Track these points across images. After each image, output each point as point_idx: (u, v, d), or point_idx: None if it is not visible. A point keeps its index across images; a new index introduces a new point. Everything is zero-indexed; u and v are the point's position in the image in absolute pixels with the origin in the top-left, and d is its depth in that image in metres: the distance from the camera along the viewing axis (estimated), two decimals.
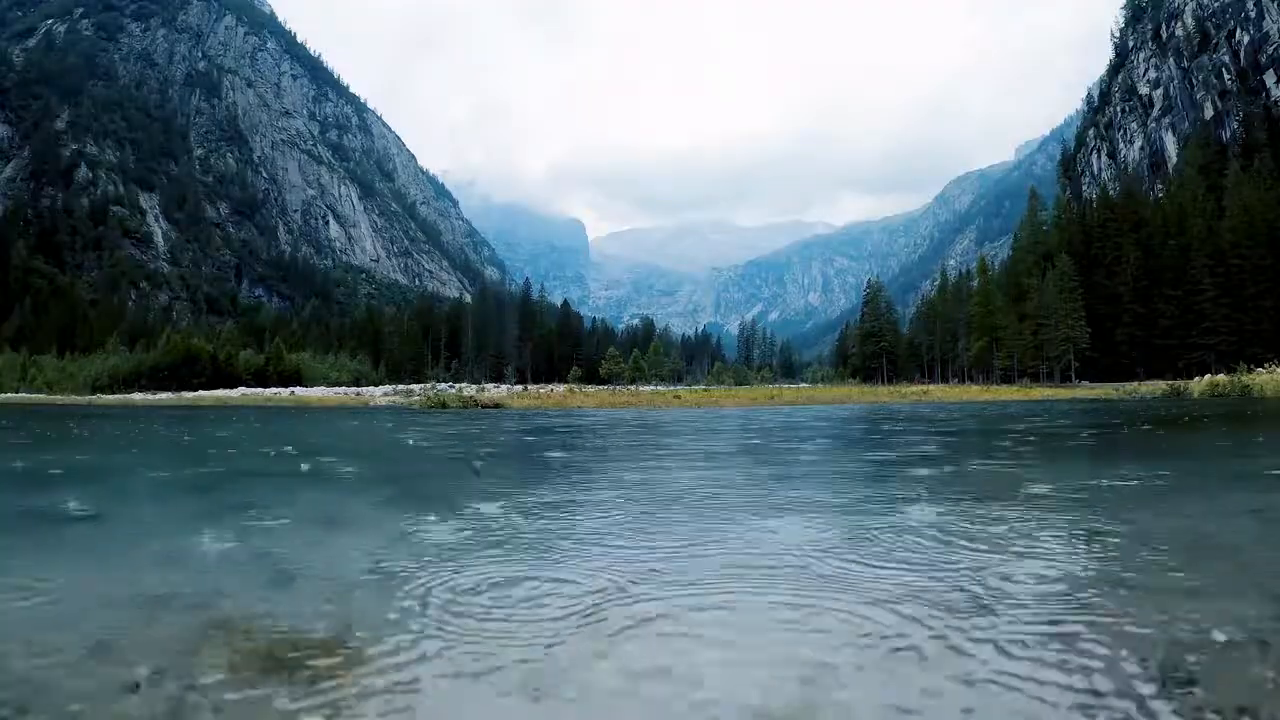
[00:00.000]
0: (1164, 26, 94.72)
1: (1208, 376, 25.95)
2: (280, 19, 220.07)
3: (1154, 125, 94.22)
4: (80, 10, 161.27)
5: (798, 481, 4.89)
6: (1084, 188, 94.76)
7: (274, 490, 4.82)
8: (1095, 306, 52.71)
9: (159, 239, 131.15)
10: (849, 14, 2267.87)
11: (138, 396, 41.11)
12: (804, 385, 59.27)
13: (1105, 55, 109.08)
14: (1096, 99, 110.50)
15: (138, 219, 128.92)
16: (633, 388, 44.07)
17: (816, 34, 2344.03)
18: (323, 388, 47.25)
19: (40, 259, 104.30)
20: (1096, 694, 1.27)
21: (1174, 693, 1.27)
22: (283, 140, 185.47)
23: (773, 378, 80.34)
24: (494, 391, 31.23)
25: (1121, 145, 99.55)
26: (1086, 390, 33.15)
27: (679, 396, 27.79)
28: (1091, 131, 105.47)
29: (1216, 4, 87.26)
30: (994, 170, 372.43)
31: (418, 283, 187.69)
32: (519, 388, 42.77)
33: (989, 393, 31.55)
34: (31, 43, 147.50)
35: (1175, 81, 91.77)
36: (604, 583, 2.08)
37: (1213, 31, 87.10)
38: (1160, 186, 79.03)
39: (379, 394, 35.42)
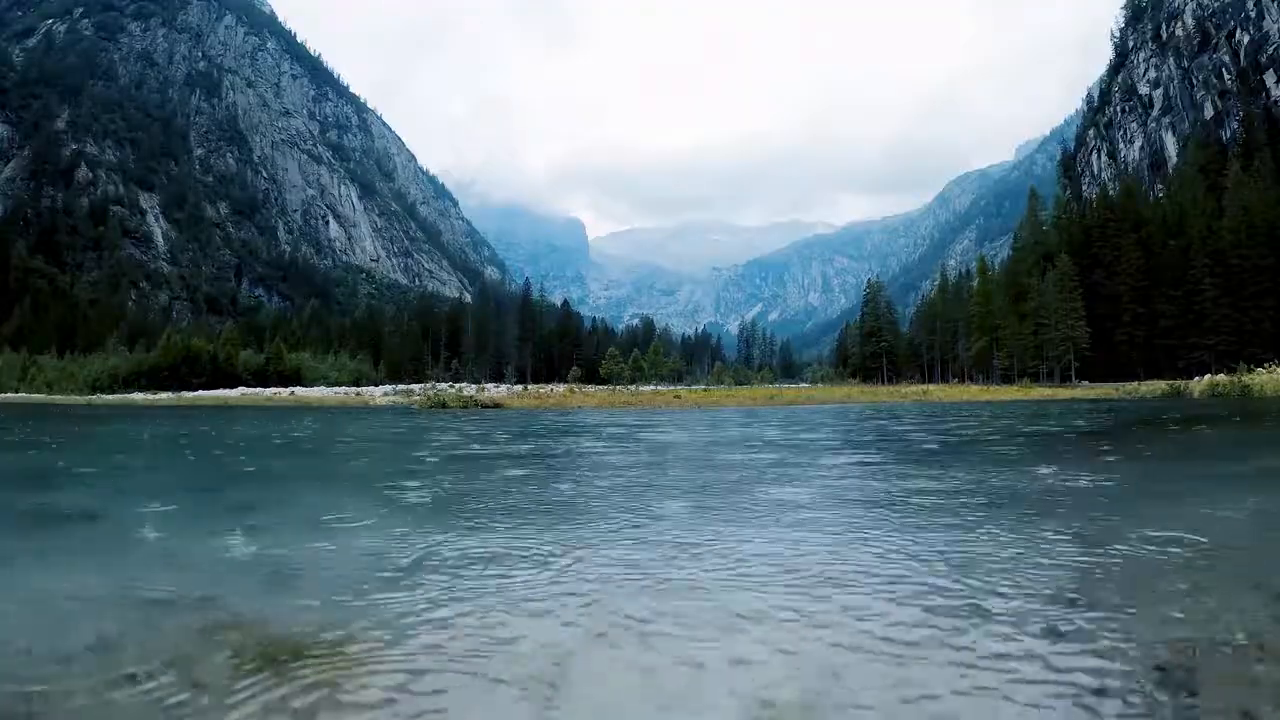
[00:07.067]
0: (1164, 26, 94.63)
1: (1208, 376, 25.96)
2: (280, 19, 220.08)
3: (1154, 125, 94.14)
4: (80, 10, 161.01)
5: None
6: (1084, 188, 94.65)
7: (273, 489, 4.82)
8: (1095, 306, 52.67)
9: (159, 239, 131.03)
10: (849, 14, 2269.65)
11: (138, 396, 41.10)
12: (804, 385, 59.22)
13: (1105, 55, 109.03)
14: (1096, 99, 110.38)
15: (138, 219, 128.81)
16: (633, 388, 43.99)
17: (816, 34, 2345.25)
18: (323, 388, 47.24)
19: (40, 259, 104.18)
20: (1098, 693, 1.26)
21: (1175, 692, 1.26)
22: (283, 140, 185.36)
23: (773, 378, 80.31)
24: (494, 391, 31.26)
25: (1121, 145, 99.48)
26: (1086, 390, 33.12)
27: (679, 396, 27.84)
28: (1091, 131, 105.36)
29: (1216, 4, 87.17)
30: (994, 170, 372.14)
31: (418, 283, 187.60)
32: (519, 388, 42.76)
33: (989, 393, 31.55)
34: (31, 43, 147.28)
35: (1175, 81, 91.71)
36: (607, 581, 2.08)
37: (1213, 31, 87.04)
38: (1160, 186, 78.95)
39: (379, 394, 35.45)
